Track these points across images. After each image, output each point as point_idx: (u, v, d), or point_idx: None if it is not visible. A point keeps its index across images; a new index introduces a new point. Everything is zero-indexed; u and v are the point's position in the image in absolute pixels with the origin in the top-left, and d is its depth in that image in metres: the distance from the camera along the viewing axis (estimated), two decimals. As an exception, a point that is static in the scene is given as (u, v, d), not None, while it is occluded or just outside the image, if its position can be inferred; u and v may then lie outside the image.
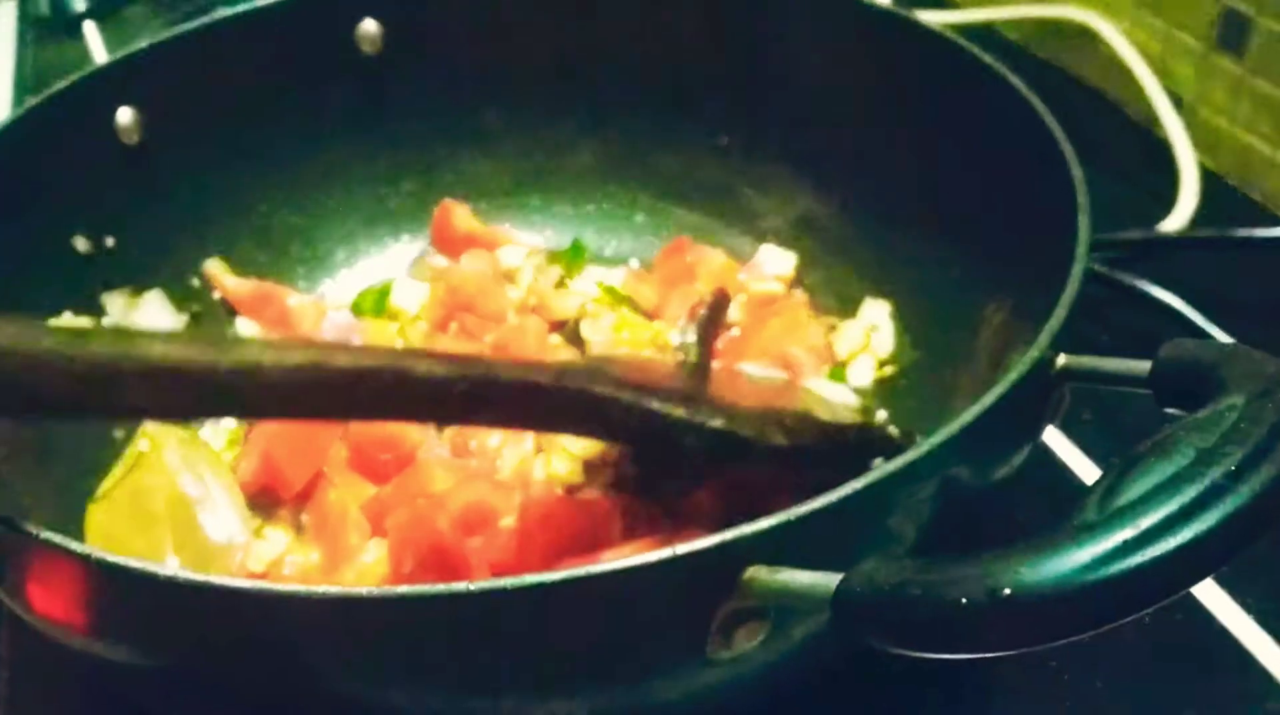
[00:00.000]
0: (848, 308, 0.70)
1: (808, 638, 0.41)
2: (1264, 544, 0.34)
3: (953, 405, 0.60)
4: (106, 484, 0.61)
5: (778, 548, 0.38)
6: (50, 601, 0.43)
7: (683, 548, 0.37)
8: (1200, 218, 0.78)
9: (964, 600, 0.33)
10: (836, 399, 0.64)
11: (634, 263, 0.76)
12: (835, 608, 0.36)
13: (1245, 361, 0.40)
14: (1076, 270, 0.47)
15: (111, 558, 0.39)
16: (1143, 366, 0.44)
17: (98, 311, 0.66)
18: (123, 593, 0.40)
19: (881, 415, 0.65)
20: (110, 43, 1.08)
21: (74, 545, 0.40)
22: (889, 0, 0.98)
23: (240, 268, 0.72)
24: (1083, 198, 0.50)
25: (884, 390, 0.66)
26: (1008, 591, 0.32)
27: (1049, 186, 0.52)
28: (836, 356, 0.68)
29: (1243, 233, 0.75)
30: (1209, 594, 0.57)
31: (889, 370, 0.67)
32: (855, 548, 0.38)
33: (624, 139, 0.77)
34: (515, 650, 0.40)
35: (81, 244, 0.65)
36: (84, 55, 1.06)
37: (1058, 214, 0.50)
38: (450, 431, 0.62)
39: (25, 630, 0.46)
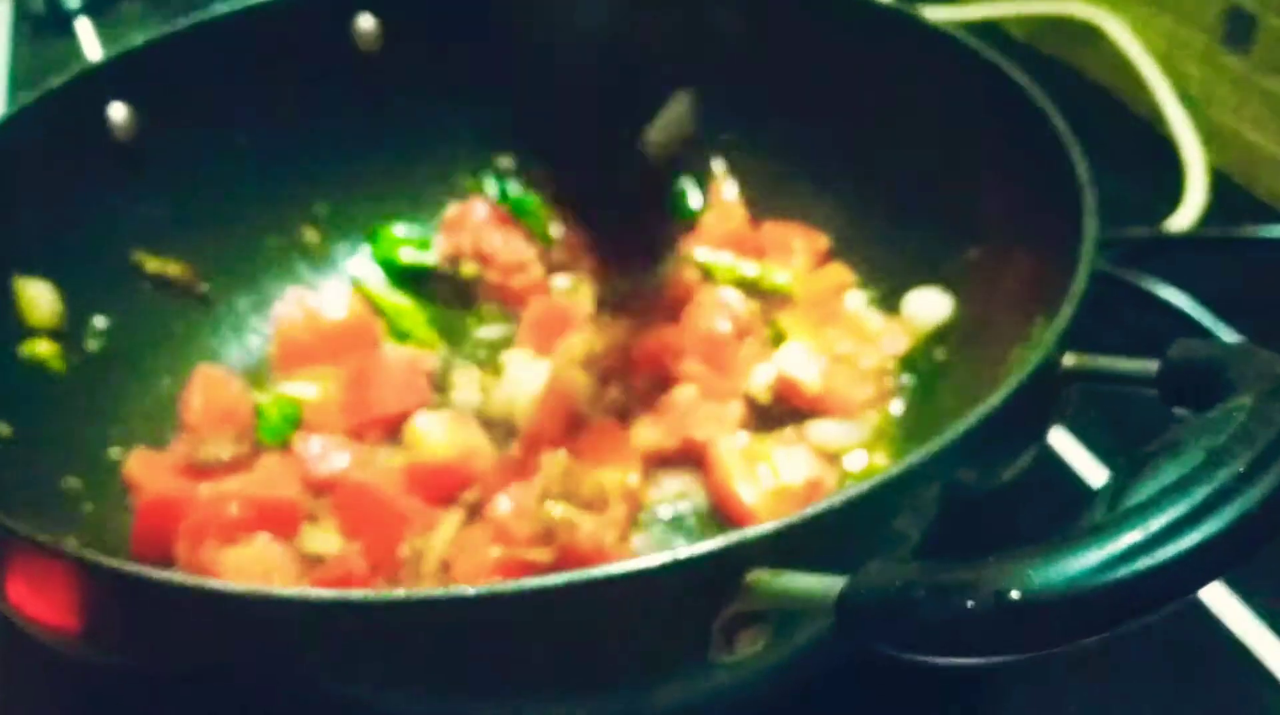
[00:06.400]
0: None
1: (811, 641, 0.41)
2: (1272, 545, 0.33)
3: (959, 404, 0.59)
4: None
5: (781, 550, 0.37)
6: (41, 604, 0.43)
7: (685, 551, 0.37)
8: (1207, 216, 0.78)
9: (971, 604, 0.32)
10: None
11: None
12: (839, 612, 0.35)
13: (1254, 361, 0.39)
14: (1083, 269, 0.46)
15: (103, 560, 0.39)
16: (1150, 366, 0.44)
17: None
18: (114, 596, 0.40)
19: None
20: (104, 39, 1.08)
21: (66, 547, 0.40)
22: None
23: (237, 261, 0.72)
24: (1089, 196, 0.49)
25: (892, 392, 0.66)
26: (1016, 595, 0.31)
27: (1055, 184, 0.51)
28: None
29: (1250, 231, 0.75)
30: (1214, 595, 0.56)
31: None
32: (860, 550, 0.38)
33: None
34: (519, 654, 0.40)
35: (77, 239, 0.65)
36: (78, 52, 1.06)
37: (1064, 212, 0.50)
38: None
39: (16, 632, 0.45)
